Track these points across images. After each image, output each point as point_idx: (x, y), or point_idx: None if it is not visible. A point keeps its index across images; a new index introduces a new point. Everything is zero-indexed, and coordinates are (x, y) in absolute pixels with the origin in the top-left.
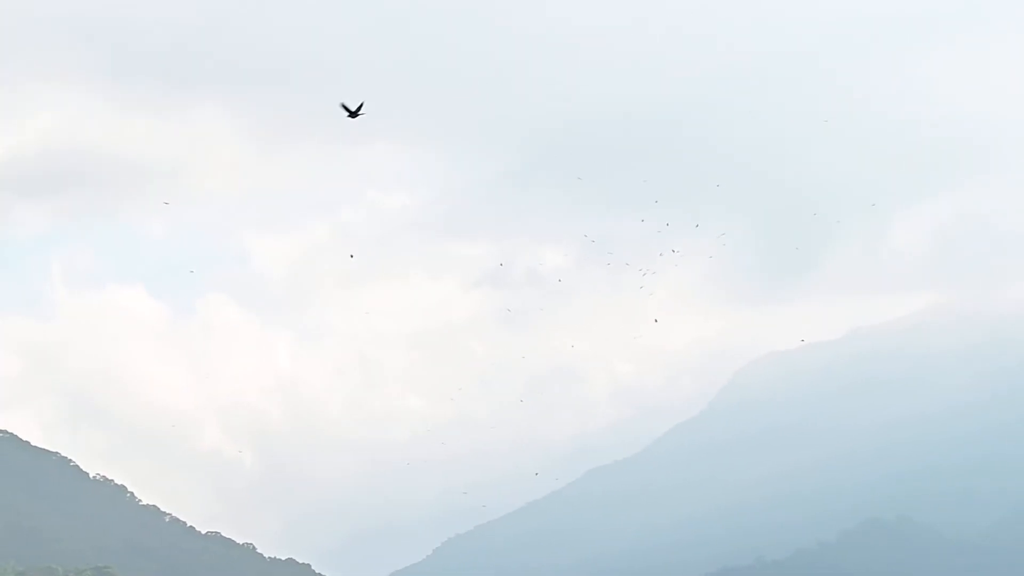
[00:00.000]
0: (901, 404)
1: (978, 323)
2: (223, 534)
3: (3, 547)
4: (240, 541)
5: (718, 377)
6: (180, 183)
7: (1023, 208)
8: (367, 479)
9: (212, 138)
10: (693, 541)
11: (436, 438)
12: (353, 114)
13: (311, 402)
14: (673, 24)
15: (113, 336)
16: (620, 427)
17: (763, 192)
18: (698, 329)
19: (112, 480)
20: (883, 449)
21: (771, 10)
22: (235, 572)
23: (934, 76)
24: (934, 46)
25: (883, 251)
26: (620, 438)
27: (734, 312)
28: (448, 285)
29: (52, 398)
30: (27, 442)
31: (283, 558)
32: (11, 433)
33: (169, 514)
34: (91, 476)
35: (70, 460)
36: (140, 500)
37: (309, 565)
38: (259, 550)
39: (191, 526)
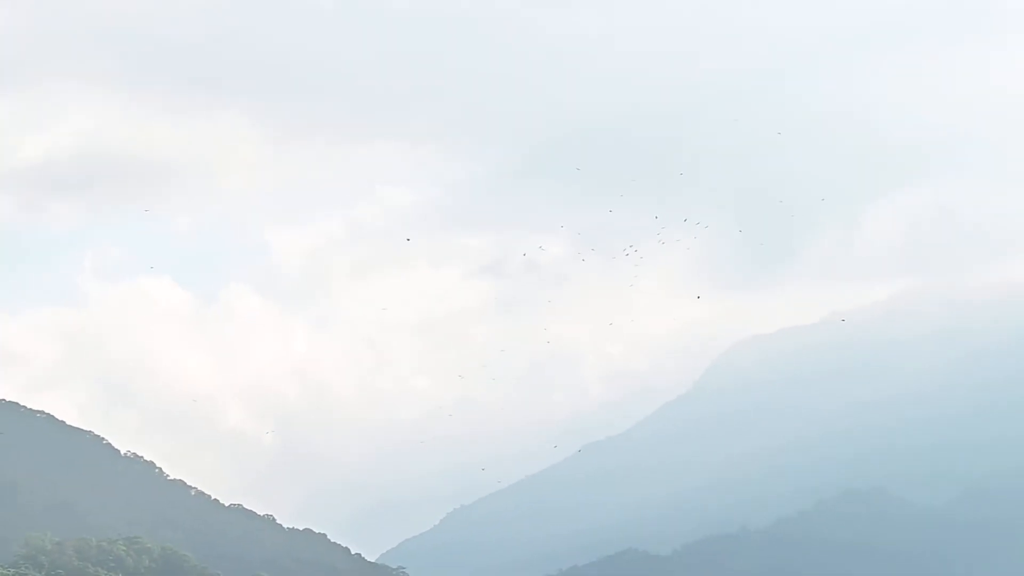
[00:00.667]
0: (874, 384)
1: (947, 308)
2: (245, 506)
3: (40, 520)
4: (261, 513)
5: (703, 359)
6: (203, 181)
7: (987, 200)
8: (378, 455)
9: (233, 139)
10: (681, 511)
11: (441, 417)
12: None
13: (325, 384)
14: (663, 39)
15: (142, 323)
16: (611, 406)
17: (745, 189)
18: (684, 315)
19: (142, 457)
20: (857, 426)
21: (753, 27)
22: (256, 542)
23: (900, 83)
24: (897, 57)
25: (856, 241)
26: (611, 416)
27: (718, 299)
28: (451, 274)
29: (86, 381)
30: (63, 422)
31: (301, 528)
32: (48, 413)
33: (195, 488)
34: (122, 453)
35: (103, 439)
36: (168, 475)
37: (325, 535)
38: (279, 521)
39: (215, 499)
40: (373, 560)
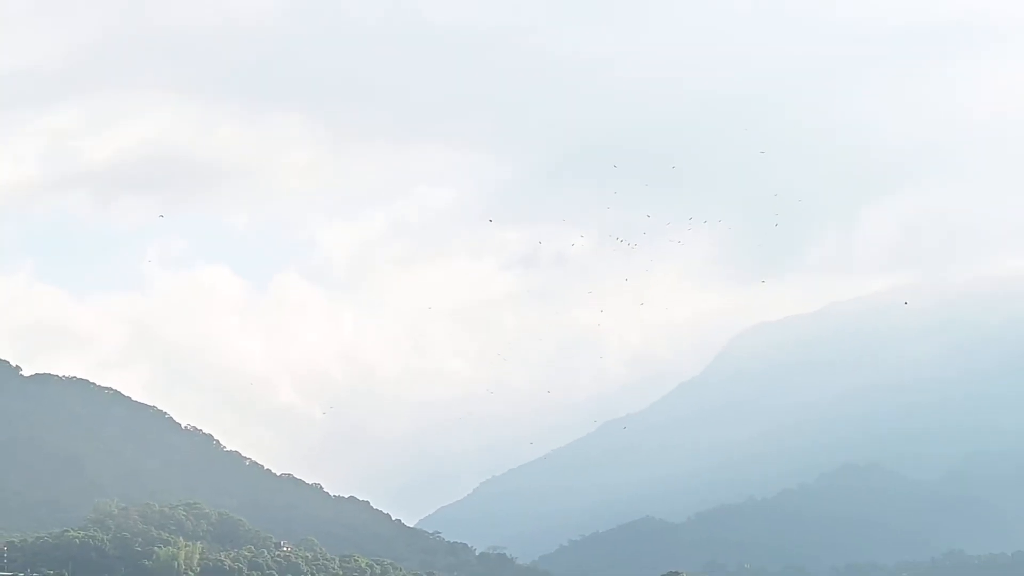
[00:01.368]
0: (871, 370)
1: (937, 301)
2: (295, 476)
3: (108, 487)
4: (309, 482)
5: (714, 345)
6: (260, 180)
7: (975, 201)
8: (417, 430)
9: (288, 143)
10: (693, 483)
11: (475, 396)
12: None
13: (370, 365)
14: (682, 59)
15: (202, 309)
16: (630, 388)
17: (754, 192)
18: (697, 304)
19: (200, 430)
20: (855, 408)
21: (761, 47)
22: (305, 508)
23: (892, 98)
24: (888, 75)
25: (854, 239)
26: (630, 397)
27: (728, 290)
28: (487, 266)
29: (150, 361)
30: (128, 398)
31: (346, 496)
32: (115, 390)
33: (249, 459)
34: (183, 427)
35: (165, 413)
36: (224, 447)
37: (368, 502)
38: (326, 489)
39: (267, 469)
40: (412, 526)
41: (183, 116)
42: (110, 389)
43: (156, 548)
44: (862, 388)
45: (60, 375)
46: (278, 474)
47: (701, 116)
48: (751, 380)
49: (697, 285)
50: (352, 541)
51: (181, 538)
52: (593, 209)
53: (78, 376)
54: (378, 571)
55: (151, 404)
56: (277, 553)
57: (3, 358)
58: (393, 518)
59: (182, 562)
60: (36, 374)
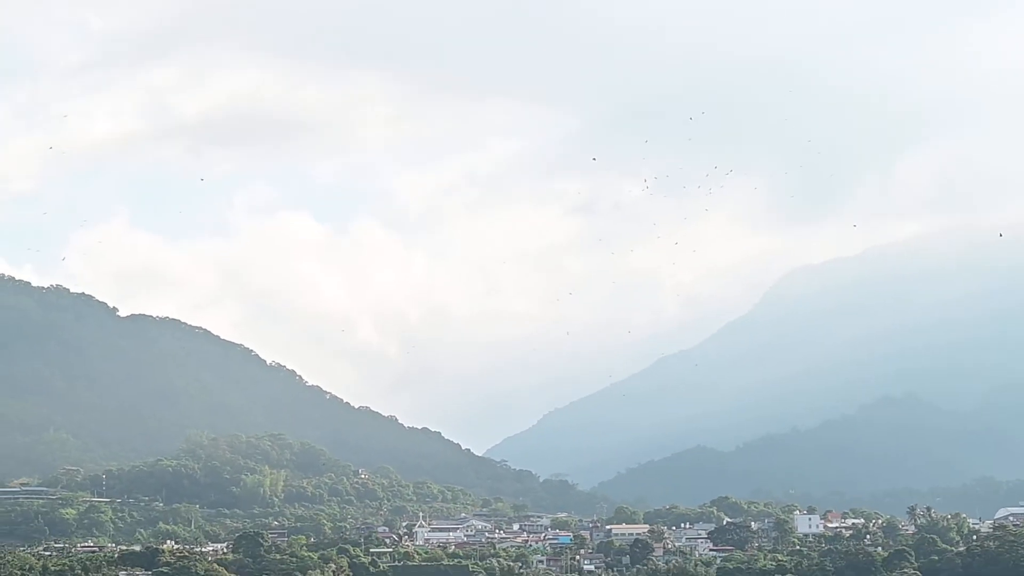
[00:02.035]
0: (907, 305)
1: (968, 244)
2: (372, 409)
3: (199, 419)
4: (385, 414)
5: (761, 286)
6: (340, 133)
7: (1004, 150)
8: (486, 365)
9: (366, 98)
10: (741, 414)
11: (540, 334)
12: None
13: (441, 305)
14: (727, 20)
15: (285, 252)
16: (684, 324)
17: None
18: (745, 247)
19: (284, 366)
20: (892, 341)
21: (797, 10)
22: (381, 438)
23: (930, 53)
24: (923, 32)
25: (891, 185)
26: (683, 334)
27: (774, 234)
28: (550, 212)
29: (238, 301)
30: (218, 336)
31: (419, 428)
32: (205, 329)
33: (329, 392)
34: (268, 363)
35: (251, 350)
36: (306, 382)
37: (440, 433)
38: (400, 421)
39: (346, 402)
40: (480, 455)
41: (270, 74)
42: (200, 328)
43: (243, 476)
44: (898, 327)
45: (154, 315)
46: (356, 407)
47: (745, 75)
48: (795, 320)
49: (745, 230)
50: (425, 469)
51: (267, 466)
52: (647, 160)
53: (171, 316)
54: (449, 496)
55: (238, 342)
56: (355, 480)
57: (101, 300)
58: (463, 448)
59: (267, 488)
60: (132, 315)
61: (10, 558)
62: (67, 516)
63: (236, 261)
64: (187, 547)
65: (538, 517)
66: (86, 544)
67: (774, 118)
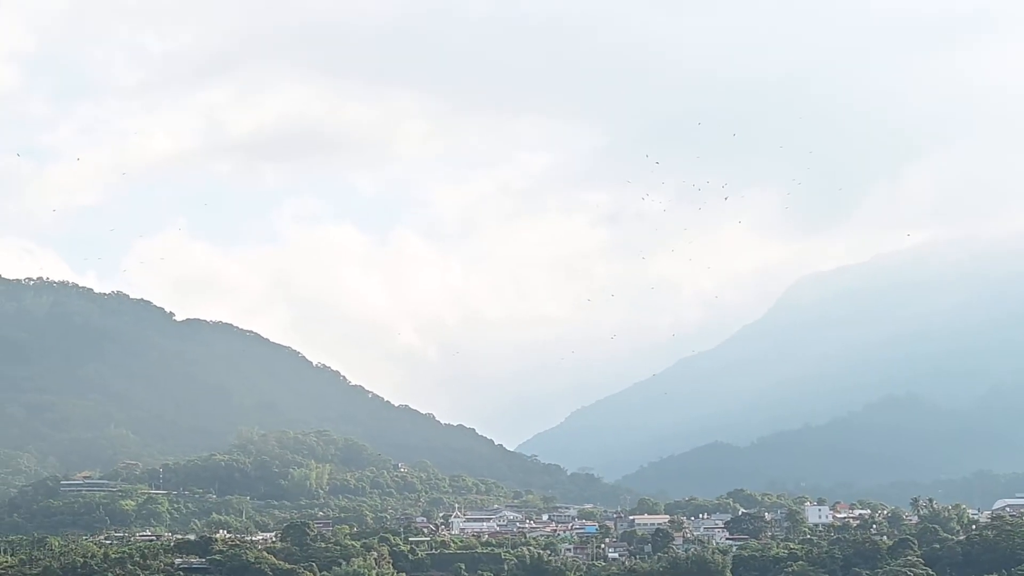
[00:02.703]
0: (911, 311)
1: (968, 252)
2: (411, 407)
3: (249, 416)
4: (423, 412)
5: (775, 292)
6: (381, 148)
7: (1004, 164)
8: (518, 366)
9: (405, 116)
10: (757, 412)
11: (569, 336)
12: None
13: (477, 310)
14: (743, 42)
15: (330, 261)
16: (703, 327)
17: (811, 156)
18: (760, 255)
19: (329, 367)
20: (896, 344)
21: (807, 32)
22: (420, 434)
23: (930, 74)
24: (926, 54)
25: (896, 196)
26: (703, 336)
27: (788, 243)
28: (578, 222)
29: (286, 306)
30: (267, 339)
31: (455, 424)
32: (256, 332)
33: (371, 392)
34: (314, 364)
35: (299, 352)
36: (350, 382)
37: (474, 429)
38: (437, 418)
39: (387, 400)
40: (512, 450)
41: (316, 93)
42: (251, 332)
43: (291, 469)
44: (902, 332)
45: (208, 320)
46: (396, 405)
47: (758, 94)
48: (806, 324)
49: (760, 239)
50: (460, 463)
51: (313, 460)
52: (669, 173)
53: (223, 321)
54: (483, 488)
55: (286, 344)
56: (395, 473)
57: (159, 305)
58: (496, 443)
59: (314, 481)
60: (187, 319)
61: (73, 546)
62: (127, 507)
63: (285, 269)
64: (238, 536)
65: (566, 508)
66: (144, 533)
67: (786, 134)
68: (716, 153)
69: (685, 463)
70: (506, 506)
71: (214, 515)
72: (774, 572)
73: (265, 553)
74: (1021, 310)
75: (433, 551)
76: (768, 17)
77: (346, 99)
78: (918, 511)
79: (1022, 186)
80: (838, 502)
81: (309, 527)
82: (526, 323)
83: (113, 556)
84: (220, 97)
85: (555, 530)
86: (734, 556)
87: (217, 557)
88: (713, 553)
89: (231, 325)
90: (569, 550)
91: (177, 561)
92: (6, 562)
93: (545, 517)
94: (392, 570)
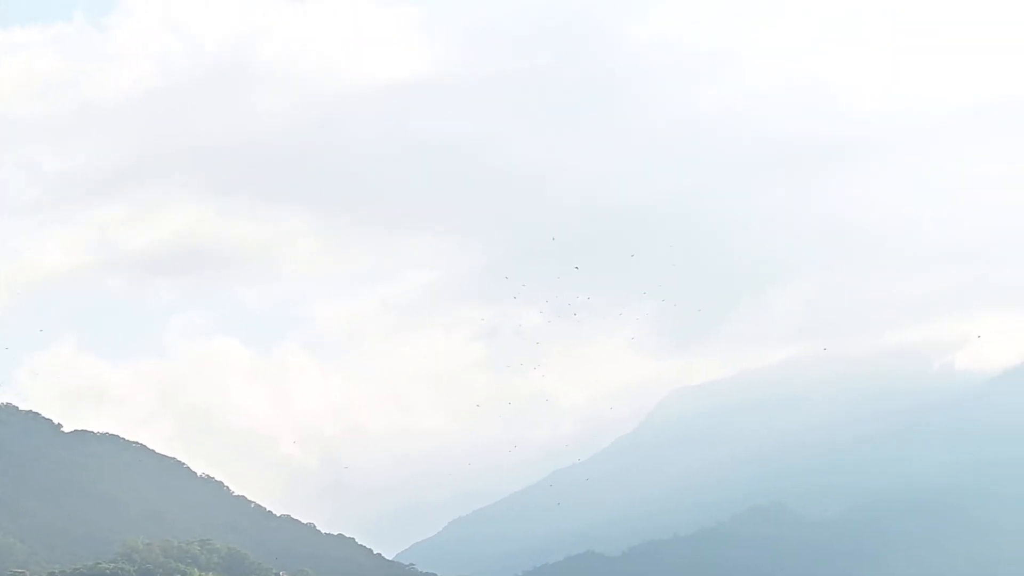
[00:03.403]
0: (775, 425)
1: (834, 367)
2: (293, 516)
3: (136, 525)
4: (305, 521)
5: (647, 406)
6: (268, 265)
7: (867, 282)
8: (397, 476)
9: (293, 233)
10: (627, 521)
11: (449, 446)
12: None
13: (358, 421)
14: (615, 167)
15: (216, 374)
16: (577, 440)
17: (681, 277)
18: (633, 369)
19: (213, 477)
20: (763, 456)
21: (680, 160)
22: (301, 544)
23: (787, 196)
24: (782, 176)
25: (764, 313)
26: (577, 448)
27: (659, 358)
28: (459, 338)
29: (173, 418)
30: (153, 450)
31: (335, 534)
32: (142, 444)
33: (254, 502)
34: (198, 475)
35: (183, 463)
36: (233, 492)
37: (354, 539)
38: (318, 528)
39: (269, 510)
40: (391, 559)
41: (206, 212)
42: (138, 443)
43: None
44: (769, 446)
45: (95, 431)
46: (278, 515)
47: (632, 216)
48: (676, 437)
49: (634, 354)
50: (339, 571)
51: (196, 569)
52: (547, 290)
53: (111, 432)
54: None
55: (172, 456)
56: None
57: (47, 417)
58: (374, 552)
59: None
60: (75, 430)
61: None
62: None
63: (172, 381)
64: None
65: None
66: None
67: (659, 256)
68: (593, 272)
69: (558, 572)
70: None
71: None
72: None
73: None
74: (884, 426)
75: None
76: (647, 143)
77: (236, 216)
78: None
79: (879, 305)
80: None
81: None
82: (406, 434)
83: None
84: (114, 214)
85: None
86: None
87: None
88: None
89: (118, 436)
90: None
91: None
92: None
93: None
94: None
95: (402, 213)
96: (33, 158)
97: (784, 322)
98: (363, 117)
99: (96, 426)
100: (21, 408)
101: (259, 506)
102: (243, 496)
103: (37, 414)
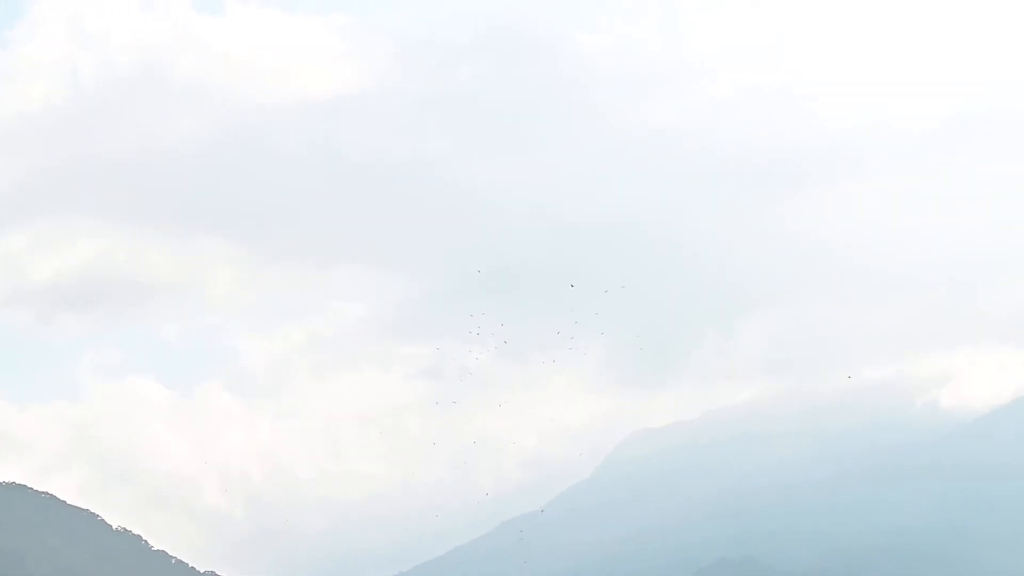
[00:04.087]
0: (743, 468)
1: (802, 406)
2: (217, 572)
3: None
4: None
5: (603, 448)
6: (187, 298)
7: (836, 318)
8: (330, 524)
9: (213, 264)
10: (582, 572)
11: (385, 496)
12: None
13: (286, 467)
14: (569, 189)
15: (132, 416)
16: (526, 488)
17: (638, 309)
18: (588, 410)
19: (130, 531)
20: (729, 503)
21: (639, 182)
22: None
23: (758, 230)
24: (750, 207)
25: (729, 350)
26: (526, 497)
27: (616, 397)
28: (394, 377)
29: (84, 465)
30: (64, 501)
31: None
32: (51, 494)
33: (175, 557)
34: (114, 528)
35: (97, 515)
36: (153, 546)
37: None
38: None
39: (192, 566)
40: None
41: (118, 240)
42: (47, 493)
43: None
44: (736, 488)
45: (1, 481)
46: (202, 571)
47: (588, 242)
48: (636, 481)
49: (588, 393)
50: None
51: None
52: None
53: (16, 482)
54: None
55: (84, 507)
56: None
57: None
58: None
59: None
60: None
61: None
62: None
63: (84, 425)
64: None
65: None
66: None
67: (616, 284)
68: (543, 303)
69: None
70: None
71: None
72: None
73: None
74: (855, 467)
75: None
76: (600, 161)
77: (151, 244)
78: None
79: (851, 341)
80: None
81: None
82: (338, 479)
83: None
84: (17, 246)
85: None
86: None
87: None
88: None
89: (25, 486)
90: None
91: None
92: None
93: None
94: None
95: (331, 240)
96: None
97: (751, 357)
98: (287, 136)
99: (1, 476)
100: None
101: (180, 561)
102: (163, 551)
103: None
